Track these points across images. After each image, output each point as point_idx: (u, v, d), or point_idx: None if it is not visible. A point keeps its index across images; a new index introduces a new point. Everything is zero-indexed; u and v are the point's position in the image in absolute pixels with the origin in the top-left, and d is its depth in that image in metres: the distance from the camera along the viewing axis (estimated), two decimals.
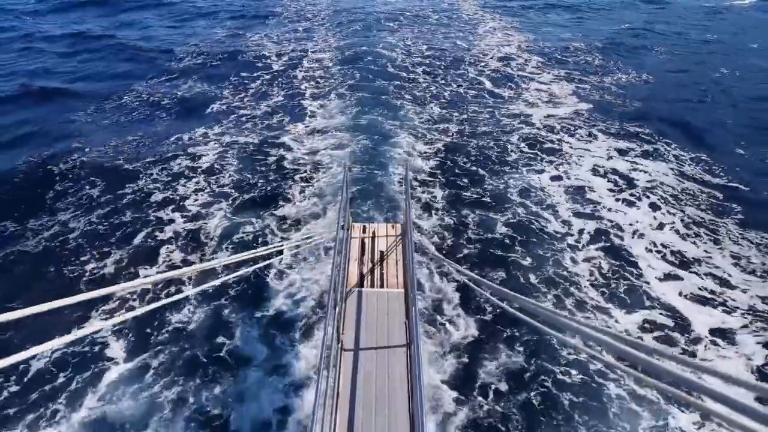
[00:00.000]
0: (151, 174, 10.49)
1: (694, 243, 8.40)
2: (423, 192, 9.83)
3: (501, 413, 5.45)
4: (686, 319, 6.69)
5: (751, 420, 1.11)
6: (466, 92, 15.87)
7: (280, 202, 9.46)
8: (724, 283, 7.41)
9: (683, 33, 24.93)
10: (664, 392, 1.66)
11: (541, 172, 10.77)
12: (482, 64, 18.94)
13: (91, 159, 11.07)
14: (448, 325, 6.54)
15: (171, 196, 9.67)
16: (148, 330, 6.52)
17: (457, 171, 10.69)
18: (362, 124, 13.15)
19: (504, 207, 9.32)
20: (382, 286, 4.75)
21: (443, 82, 16.90)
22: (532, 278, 7.39)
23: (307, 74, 17.53)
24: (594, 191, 10.00)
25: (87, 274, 7.57)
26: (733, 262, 7.87)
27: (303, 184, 10.13)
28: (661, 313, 6.79)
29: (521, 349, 6.21)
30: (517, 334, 6.39)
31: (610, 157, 11.49)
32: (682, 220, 9.04)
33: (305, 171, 10.63)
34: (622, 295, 7.14)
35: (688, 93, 16.21)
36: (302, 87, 16.19)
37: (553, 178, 10.49)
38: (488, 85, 16.64)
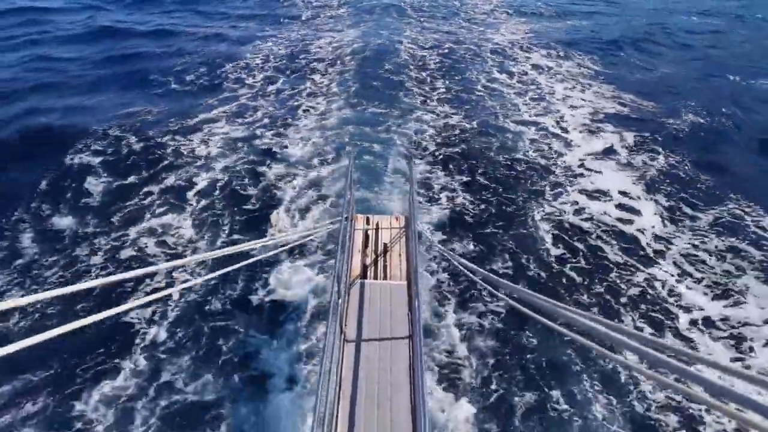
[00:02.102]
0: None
1: (583, 91, 15.39)
2: (420, 61, 16.33)
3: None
4: (565, 116, 13.40)
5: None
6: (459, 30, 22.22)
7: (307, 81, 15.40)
8: (594, 103, 14.38)
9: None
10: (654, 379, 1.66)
11: (502, 70, 17.19)
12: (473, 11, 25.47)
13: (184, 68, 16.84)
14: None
15: (241, 76, 15.58)
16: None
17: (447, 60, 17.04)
18: (372, 31, 19.84)
19: (476, 79, 15.82)
20: (385, 278, 4.77)
21: (441, 16, 23.89)
22: (488, 103, 13.71)
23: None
24: (533, 76, 16.59)
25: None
26: (607, 96, 15.05)
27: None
28: (555, 117, 13.37)
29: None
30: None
31: (542, 57, 18.39)
32: (580, 83, 15.95)
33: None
34: (541, 112, 13.64)
35: (597, 25, 24.07)
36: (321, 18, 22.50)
37: (510, 75, 16.88)
38: (475, 26, 23.18)
